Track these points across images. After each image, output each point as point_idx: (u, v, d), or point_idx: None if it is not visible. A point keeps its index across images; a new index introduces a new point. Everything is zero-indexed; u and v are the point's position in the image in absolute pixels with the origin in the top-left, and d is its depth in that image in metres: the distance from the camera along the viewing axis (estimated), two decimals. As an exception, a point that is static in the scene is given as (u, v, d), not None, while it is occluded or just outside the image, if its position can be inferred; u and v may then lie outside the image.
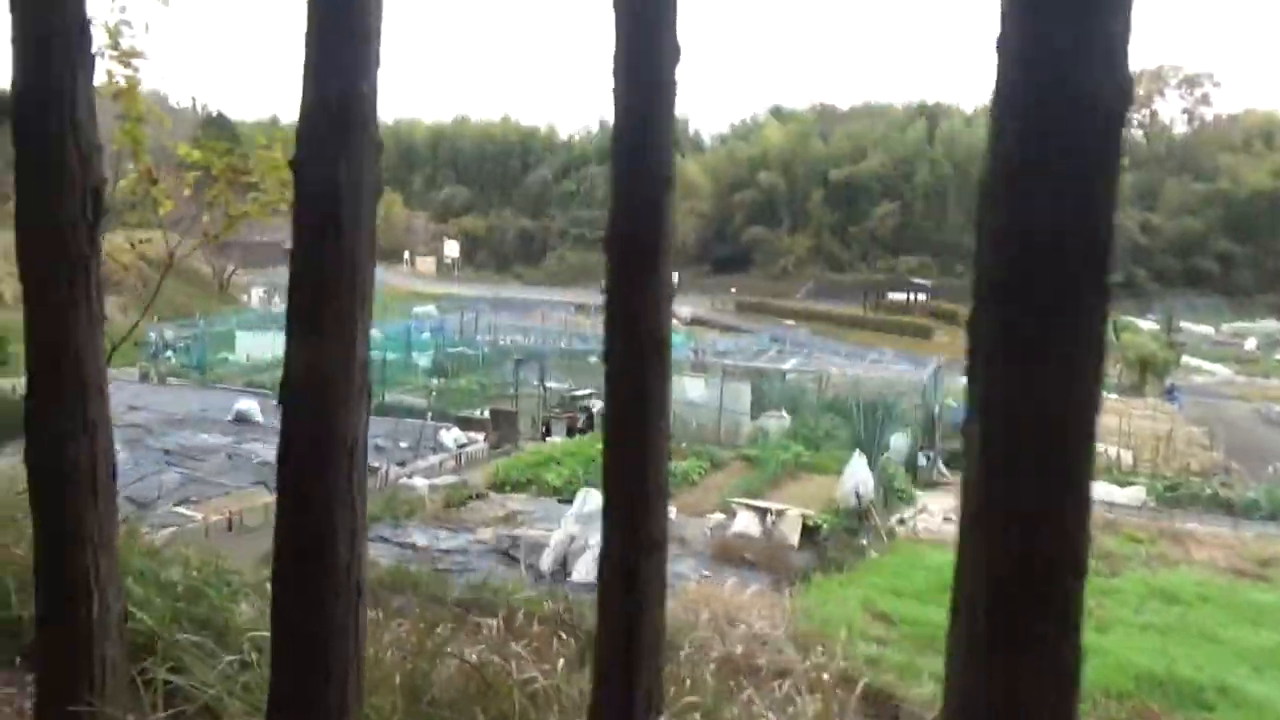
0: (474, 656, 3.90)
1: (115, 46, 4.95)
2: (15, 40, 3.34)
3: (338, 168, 2.98)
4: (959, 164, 76.97)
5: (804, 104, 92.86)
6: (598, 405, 25.32)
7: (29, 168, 3.33)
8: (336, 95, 2.98)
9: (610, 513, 2.67)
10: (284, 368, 3.03)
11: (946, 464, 21.38)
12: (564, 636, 4.66)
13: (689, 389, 22.91)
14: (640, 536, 2.59)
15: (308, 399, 3.02)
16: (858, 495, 14.96)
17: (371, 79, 3.05)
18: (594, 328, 53.62)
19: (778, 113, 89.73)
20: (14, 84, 3.34)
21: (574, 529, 12.71)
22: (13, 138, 3.34)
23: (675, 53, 2.56)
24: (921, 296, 62.42)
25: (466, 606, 6.90)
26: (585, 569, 12.40)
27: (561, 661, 3.99)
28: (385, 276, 54.08)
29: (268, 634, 5.04)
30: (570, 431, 23.57)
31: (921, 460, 20.36)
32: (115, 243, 6.22)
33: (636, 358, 2.59)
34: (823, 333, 55.99)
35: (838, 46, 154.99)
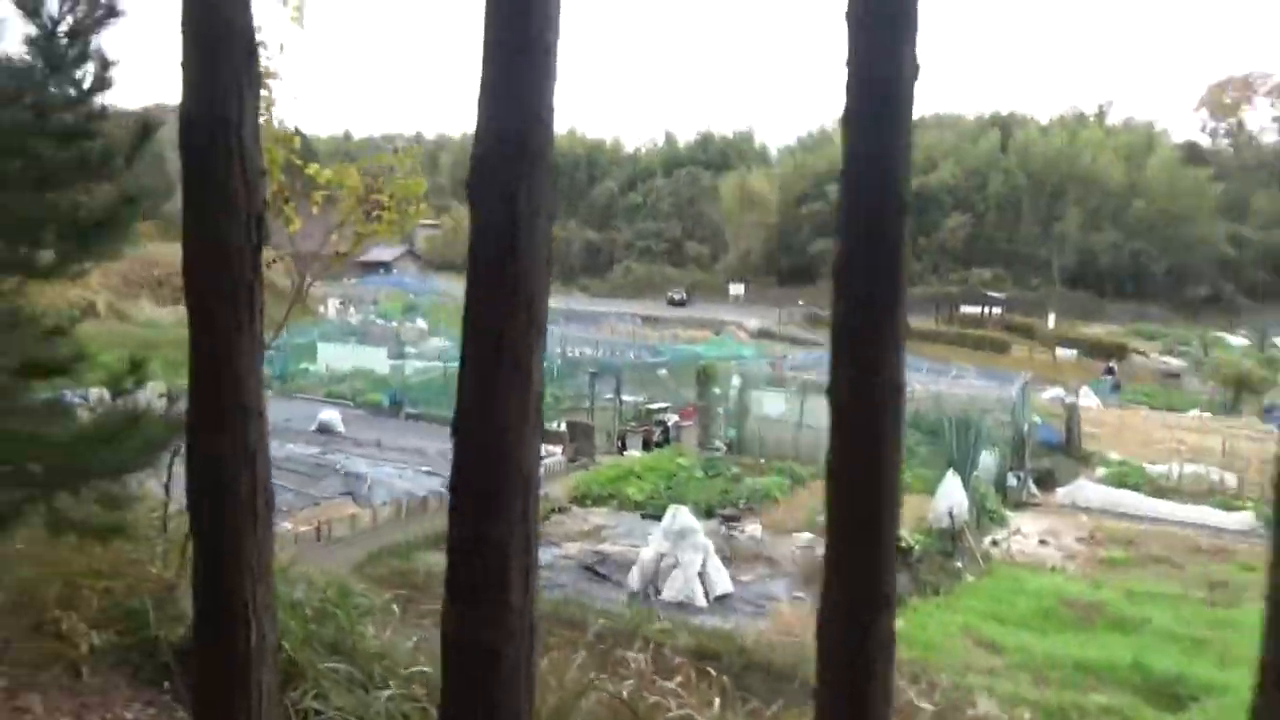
0: (624, 692, 3.75)
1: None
2: (184, 63, 3.31)
3: (517, 198, 2.88)
4: (1033, 174, 75.14)
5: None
6: (673, 419, 25.17)
7: (197, 191, 3.30)
8: (517, 122, 2.88)
9: (838, 567, 2.49)
10: (458, 397, 2.93)
11: (1036, 483, 20.70)
12: (711, 672, 4.48)
13: (767, 404, 22.59)
14: (872, 593, 2.41)
15: (482, 430, 2.91)
16: (951, 516, 14.49)
17: (550, 102, 2.94)
18: (660, 339, 53.66)
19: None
20: (183, 106, 3.30)
21: (663, 546, 12.54)
22: (181, 160, 3.30)
23: (914, 69, 2.38)
24: (996, 310, 60.86)
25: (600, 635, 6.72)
26: (676, 588, 12.23)
27: (718, 702, 3.81)
28: (451, 287, 54.92)
29: (400, 661, 5.00)
30: (646, 445, 23.45)
31: (1011, 480, 19.71)
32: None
33: (870, 404, 2.40)
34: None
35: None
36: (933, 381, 25.99)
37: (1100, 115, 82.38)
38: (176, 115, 3.33)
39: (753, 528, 15.11)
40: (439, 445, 19.04)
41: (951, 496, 14.75)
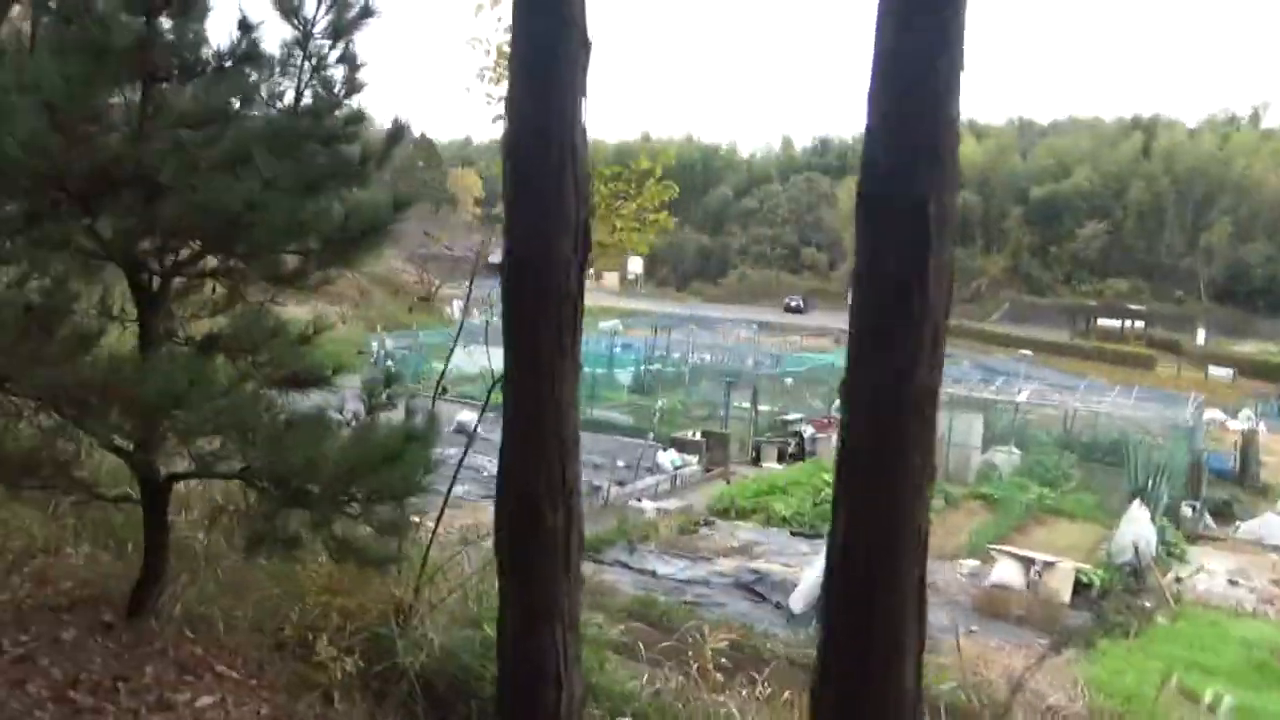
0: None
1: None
2: (515, 61, 3.01)
3: (927, 205, 2.45)
4: (1178, 180, 70.79)
5: (1000, 118, 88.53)
6: (809, 431, 24.42)
7: (524, 197, 2.99)
8: (927, 120, 2.47)
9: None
10: (850, 388, 2.52)
11: (1212, 515, 19.16)
12: None
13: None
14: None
15: (879, 422, 2.49)
16: (1137, 550, 13.40)
17: (958, 93, 2.51)
18: (778, 347, 52.61)
19: (973, 127, 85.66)
20: (511, 109, 3.00)
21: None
22: (506, 164, 3.00)
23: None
24: (1137, 323, 57.50)
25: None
26: (842, 615, 11.60)
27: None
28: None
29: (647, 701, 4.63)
30: (781, 457, 22.81)
31: (1185, 511, 18.26)
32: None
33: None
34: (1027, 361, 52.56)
35: (1033, 59, 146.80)
36: (1082, 399, 24.54)
37: (1255, 117, 77.14)
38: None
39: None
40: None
41: (1138, 528, 13.67)
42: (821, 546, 12.39)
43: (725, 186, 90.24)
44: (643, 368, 32.45)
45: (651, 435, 20.49)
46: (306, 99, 4.34)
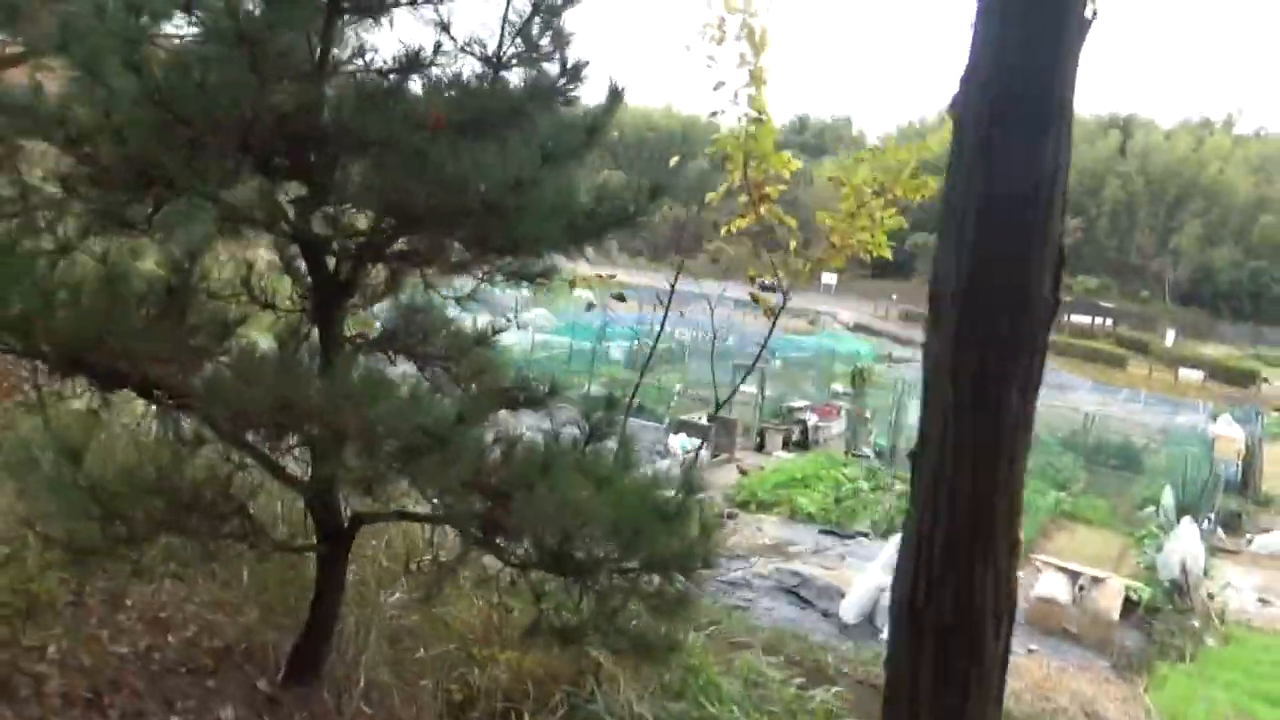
0: None
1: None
2: (988, 20, 2.20)
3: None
4: (1152, 181, 71.54)
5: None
6: (813, 419, 23.90)
7: (1000, 203, 2.19)
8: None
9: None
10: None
11: (1222, 527, 19.07)
12: None
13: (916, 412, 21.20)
14: None
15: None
16: (1184, 568, 13.08)
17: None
18: (754, 326, 52.17)
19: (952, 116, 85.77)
20: (975, 74, 2.20)
21: (884, 579, 11.38)
22: (965, 143, 2.21)
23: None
24: (1107, 321, 58.16)
25: None
26: (901, 628, 11.06)
27: None
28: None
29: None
30: (785, 444, 22.27)
31: (1202, 524, 18.09)
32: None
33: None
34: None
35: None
36: (1088, 401, 24.35)
37: (1229, 123, 78.14)
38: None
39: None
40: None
41: (1186, 544, 13.34)
42: (852, 546, 11.76)
43: (702, 160, 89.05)
44: (634, 343, 31.62)
45: (666, 420, 19.79)
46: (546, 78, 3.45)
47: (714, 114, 5.05)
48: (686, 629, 3.38)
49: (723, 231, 4.80)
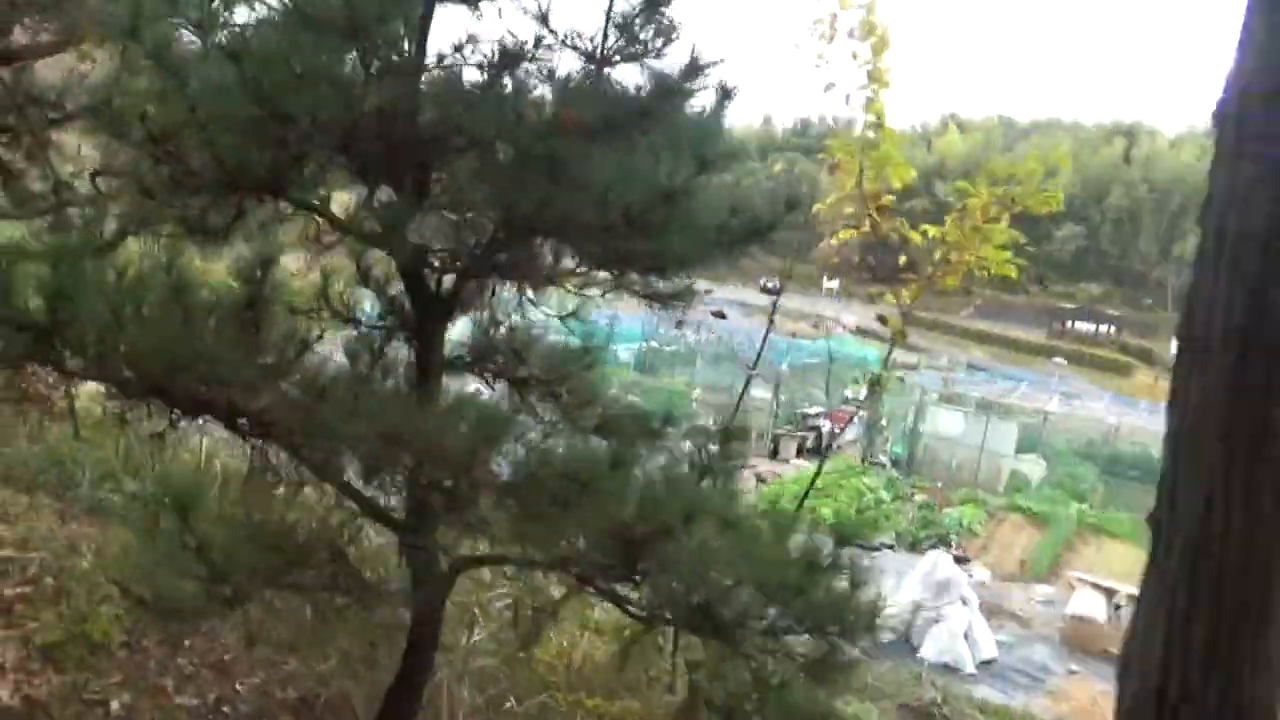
0: None
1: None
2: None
3: None
4: (1156, 188, 71.40)
5: (979, 114, 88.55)
6: (826, 425, 23.59)
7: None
8: None
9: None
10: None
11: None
12: None
13: (943, 421, 20.93)
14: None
15: None
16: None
17: None
18: (757, 328, 51.80)
19: (955, 120, 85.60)
20: (1257, 89, 1.87)
21: (920, 595, 11.08)
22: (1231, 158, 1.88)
23: None
24: (1111, 328, 58.02)
25: None
26: (939, 647, 10.76)
27: None
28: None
29: None
30: (800, 451, 21.97)
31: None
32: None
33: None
34: (1003, 359, 52.59)
35: (1016, 57, 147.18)
36: (1113, 409, 24.09)
37: (1232, 132, 78.05)
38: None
39: (980, 572, 13.58)
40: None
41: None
42: (879, 559, 11.30)
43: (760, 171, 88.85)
44: (643, 345, 31.33)
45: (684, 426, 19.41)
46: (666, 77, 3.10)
47: (821, 118, 4.70)
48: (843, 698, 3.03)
49: (832, 241, 4.49)
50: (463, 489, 2.30)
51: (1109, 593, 12.53)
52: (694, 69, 2.95)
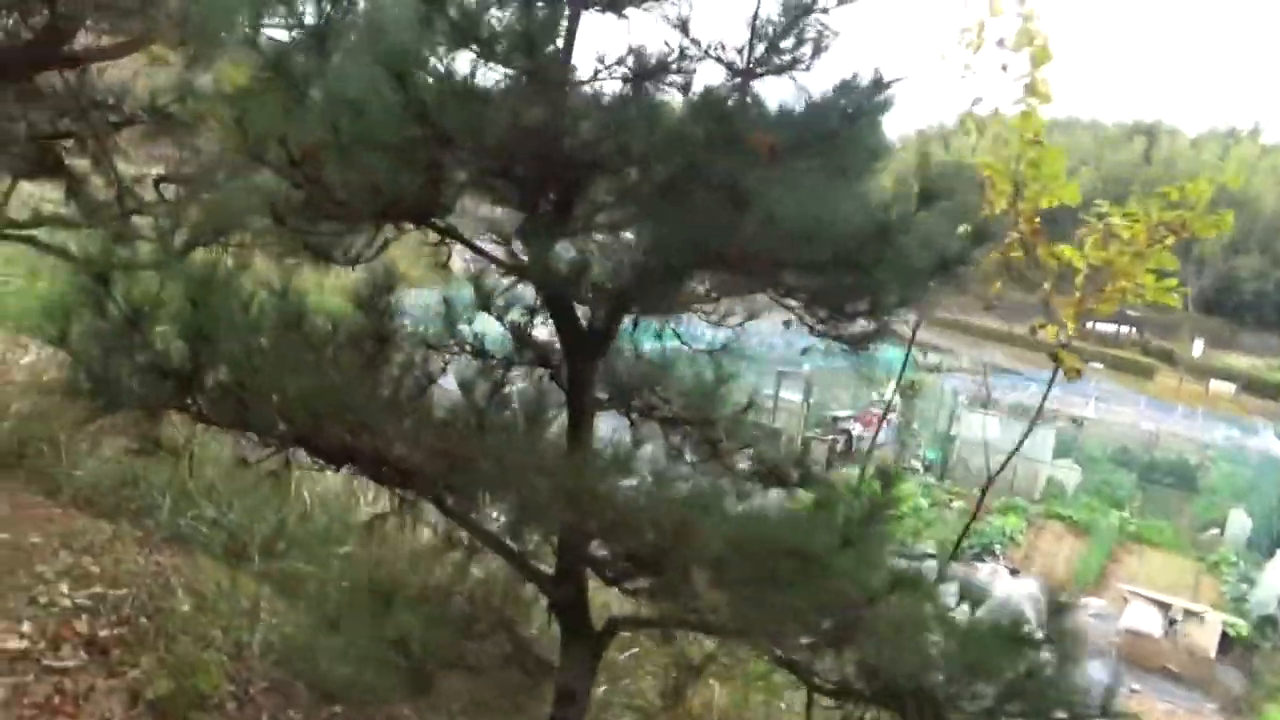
0: None
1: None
2: None
3: None
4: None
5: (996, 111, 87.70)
6: (857, 429, 23.26)
7: None
8: None
9: None
10: None
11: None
12: None
13: (978, 426, 20.56)
14: None
15: None
16: (1281, 604, 12.48)
17: None
18: (771, 326, 51.28)
19: (973, 120, 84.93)
20: None
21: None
22: None
23: None
24: (1133, 330, 57.36)
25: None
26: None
27: None
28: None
29: None
30: (829, 459, 21.66)
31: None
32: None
33: None
34: (1025, 361, 52.04)
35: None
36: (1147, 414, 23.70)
37: (1255, 132, 77.38)
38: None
39: (1030, 585, 13.27)
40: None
41: (1282, 579, 12.74)
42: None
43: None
44: (663, 344, 31.08)
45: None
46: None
47: (967, 130, 4.43)
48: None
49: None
50: (670, 561, 2.05)
51: (1163, 606, 12.24)
52: (878, 86, 2.69)
